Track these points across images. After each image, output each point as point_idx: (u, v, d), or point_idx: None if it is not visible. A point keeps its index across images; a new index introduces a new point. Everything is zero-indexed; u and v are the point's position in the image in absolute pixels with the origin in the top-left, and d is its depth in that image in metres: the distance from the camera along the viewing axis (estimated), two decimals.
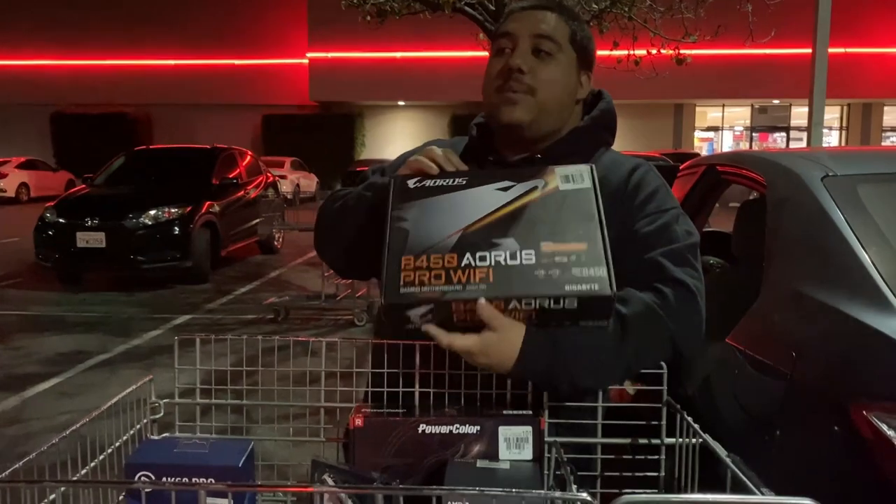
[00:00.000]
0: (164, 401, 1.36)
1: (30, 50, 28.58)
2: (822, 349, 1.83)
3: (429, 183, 1.29)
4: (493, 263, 1.17)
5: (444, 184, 1.28)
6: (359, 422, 1.26)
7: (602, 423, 1.34)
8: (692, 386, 2.22)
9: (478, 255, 1.18)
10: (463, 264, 1.17)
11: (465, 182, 1.28)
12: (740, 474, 1.05)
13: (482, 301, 1.15)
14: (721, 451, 1.17)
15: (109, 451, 1.20)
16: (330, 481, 1.22)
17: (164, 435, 1.37)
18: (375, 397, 1.35)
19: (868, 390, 1.61)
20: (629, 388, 1.71)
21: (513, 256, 1.17)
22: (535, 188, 1.25)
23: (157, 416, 1.35)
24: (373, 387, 1.37)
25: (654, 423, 1.34)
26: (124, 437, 1.25)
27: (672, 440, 1.31)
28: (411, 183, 1.29)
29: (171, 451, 1.14)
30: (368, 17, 7.68)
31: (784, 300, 2.05)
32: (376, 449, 1.24)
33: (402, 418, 1.25)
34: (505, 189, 1.25)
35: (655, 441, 1.34)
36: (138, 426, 1.30)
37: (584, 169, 1.27)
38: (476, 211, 1.23)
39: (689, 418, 1.26)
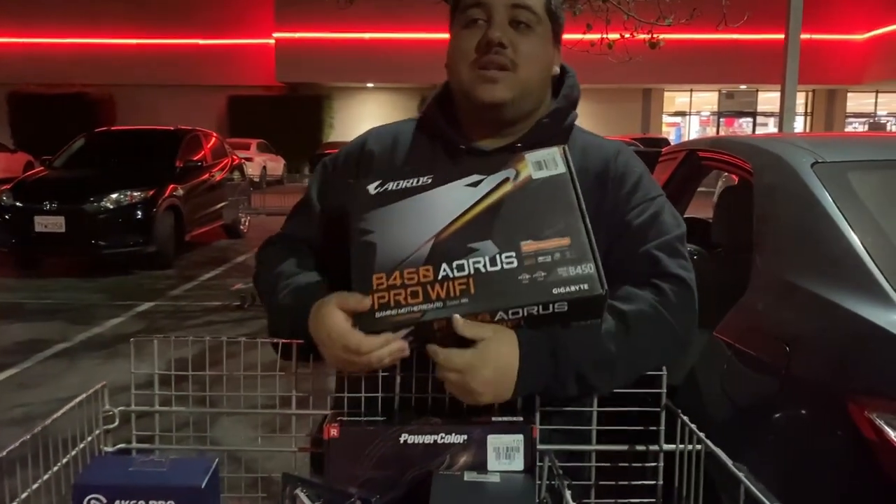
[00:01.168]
0: (119, 409, 1.23)
1: None
2: (817, 344, 1.75)
3: (391, 186, 1.17)
4: (472, 272, 1.08)
5: (409, 185, 1.17)
6: (334, 432, 1.15)
7: (597, 428, 1.25)
8: (674, 377, 2.14)
9: (455, 264, 1.08)
10: (440, 277, 1.08)
11: (430, 181, 1.17)
12: (755, 489, 0.97)
13: (457, 317, 1.06)
14: (728, 461, 1.09)
15: (56, 469, 1.08)
16: (303, 497, 1.12)
17: (120, 446, 1.25)
18: (351, 403, 1.24)
19: (868, 388, 1.54)
20: None
21: (493, 262, 1.08)
22: (506, 180, 1.15)
23: (112, 427, 1.23)
24: (348, 391, 1.26)
25: (651, 428, 1.25)
26: (73, 452, 1.13)
27: (672, 446, 1.23)
28: (372, 188, 1.18)
29: (125, 470, 1.02)
30: None
31: (775, 291, 1.98)
32: (353, 461, 1.14)
33: (381, 427, 1.15)
34: (474, 184, 1.15)
35: (654, 447, 1.25)
36: (90, 438, 1.18)
37: (555, 152, 1.17)
38: (447, 213, 1.13)
39: (692, 425, 1.17)
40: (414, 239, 1.11)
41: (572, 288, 1.05)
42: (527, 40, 1.29)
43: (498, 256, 1.08)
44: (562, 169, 1.16)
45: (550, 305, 1.06)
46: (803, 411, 1.70)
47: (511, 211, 1.12)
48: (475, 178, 1.16)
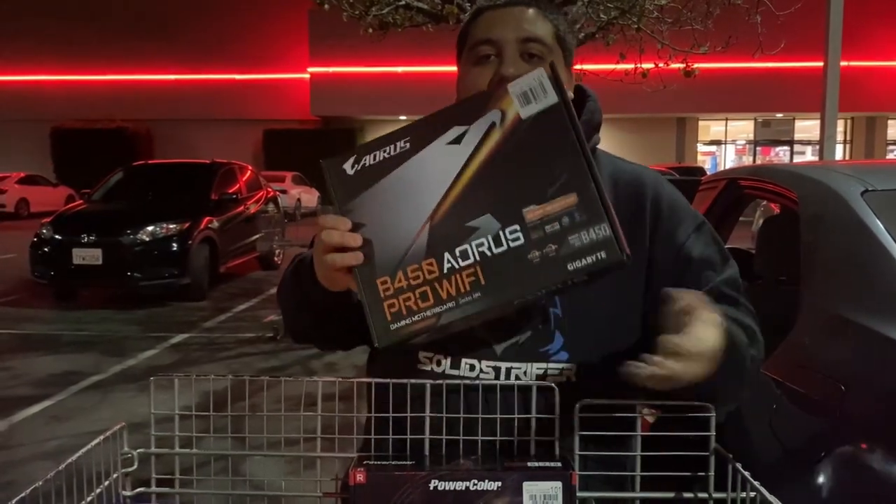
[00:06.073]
0: (138, 450, 1.18)
1: (29, 65, 28.55)
2: (874, 383, 1.65)
3: (368, 161, 1.05)
4: (477, 258, 0.99)
5: (387, 155, 1.05)
6: (360, 477, 1.08)
7: (641, 474, 1.17)
8: (721, 412, 2.04)
9: (457, 251, 1.00)
10: (446, 270, 1.00)
11: (407, 145, 1.04)
12: None
13: (643, 374, 0.97)
14: None
15: None
16: None
17: (139, 490, 1.20)
18: (378, 445, 1.18)
19: None
20: (648, 416, 1.54)
21: (497, 241, 0.99)
22: (492, 126, 1.03)
23: (130, 469, 1.18)
24: (376, 432, 1.20)
25: (700, 473, 1.17)
26: (88, 498, 1.07)
27: (722, 494, 1.14)
28: (349, 167, 1.06)
29: None
30: (370, 30, 7.55)
31: (826, 327, 1.88)
32: None
33: (410, 472, 1.08)
34: (458, 140, 1.03)
35: (703, 495, 1.16)
36: (107, 482, 1.13)
37: (541, 75, 1.03)
38: (435, 187, 1.02)
39: (746, 472, 1.09)
40: (408, 227, 1.02)
41: (589, 259, 0.98)
42: None
43: (501, 233, 1.00)
44: (553, 98, 1.02)
45: (569, 281, 1.00)
46: (859, 455, 1.60)
47: (505, 169, 1.01)
48: (456, 130, 1.04)
